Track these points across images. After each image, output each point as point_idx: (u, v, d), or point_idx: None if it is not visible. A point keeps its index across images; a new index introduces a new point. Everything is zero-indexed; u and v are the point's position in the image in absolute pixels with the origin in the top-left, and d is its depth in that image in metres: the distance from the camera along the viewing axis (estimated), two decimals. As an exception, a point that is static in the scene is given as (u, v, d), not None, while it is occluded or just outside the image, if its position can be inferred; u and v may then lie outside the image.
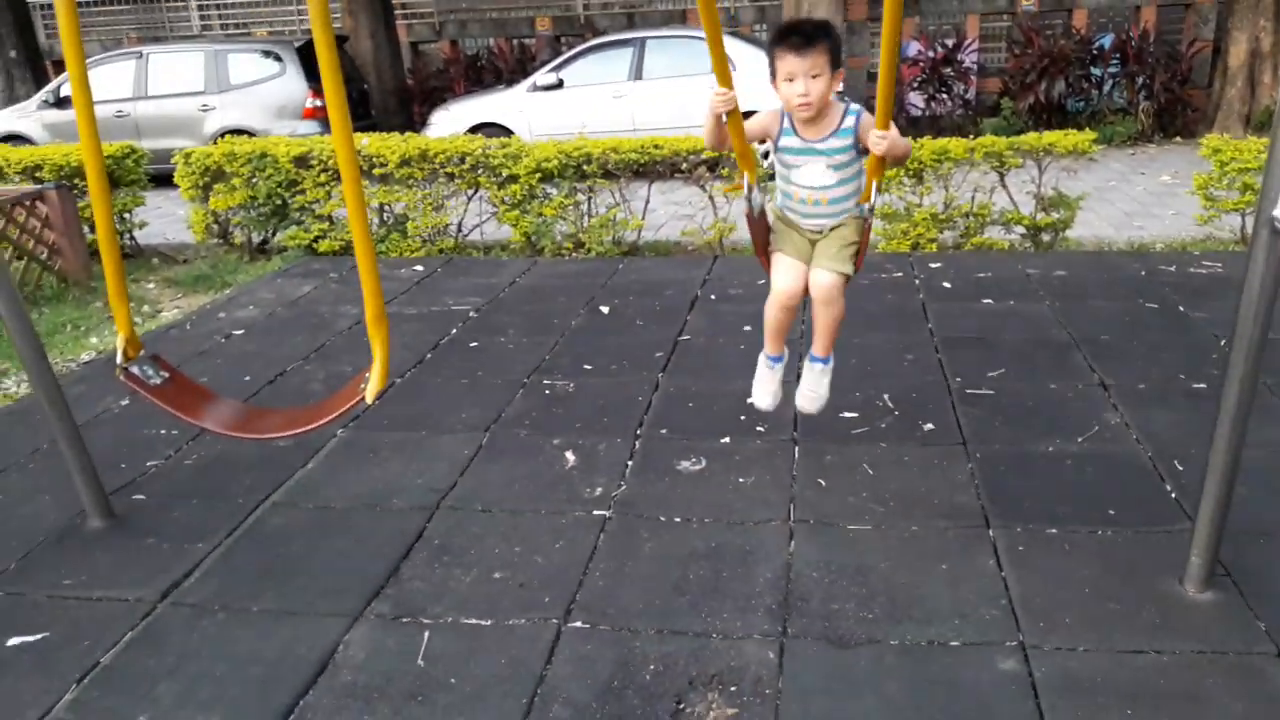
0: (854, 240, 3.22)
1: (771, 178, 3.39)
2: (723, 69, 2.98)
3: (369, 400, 2.95)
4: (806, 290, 3.26)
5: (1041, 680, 2.59)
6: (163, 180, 8.97)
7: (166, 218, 9.82)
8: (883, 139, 2.95)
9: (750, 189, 3.15)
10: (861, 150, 3.10)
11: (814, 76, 2.96)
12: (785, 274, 3.25)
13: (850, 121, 3.08)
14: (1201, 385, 4.37)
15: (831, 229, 3.24)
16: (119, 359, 3.19)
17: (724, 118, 3.05)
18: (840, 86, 3.05)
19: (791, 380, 3.64)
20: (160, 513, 3.66)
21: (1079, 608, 2.88)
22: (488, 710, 2.58)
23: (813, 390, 3.49)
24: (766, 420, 4.05)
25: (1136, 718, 2.45)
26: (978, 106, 14.44)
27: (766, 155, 3.47)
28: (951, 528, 3.34)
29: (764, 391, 3.55)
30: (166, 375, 3.24)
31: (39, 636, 2.96)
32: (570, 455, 3.98)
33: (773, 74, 3.07)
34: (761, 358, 3.52)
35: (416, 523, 3.50)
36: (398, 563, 3.26)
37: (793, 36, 2.97)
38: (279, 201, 7.81)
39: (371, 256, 2.84)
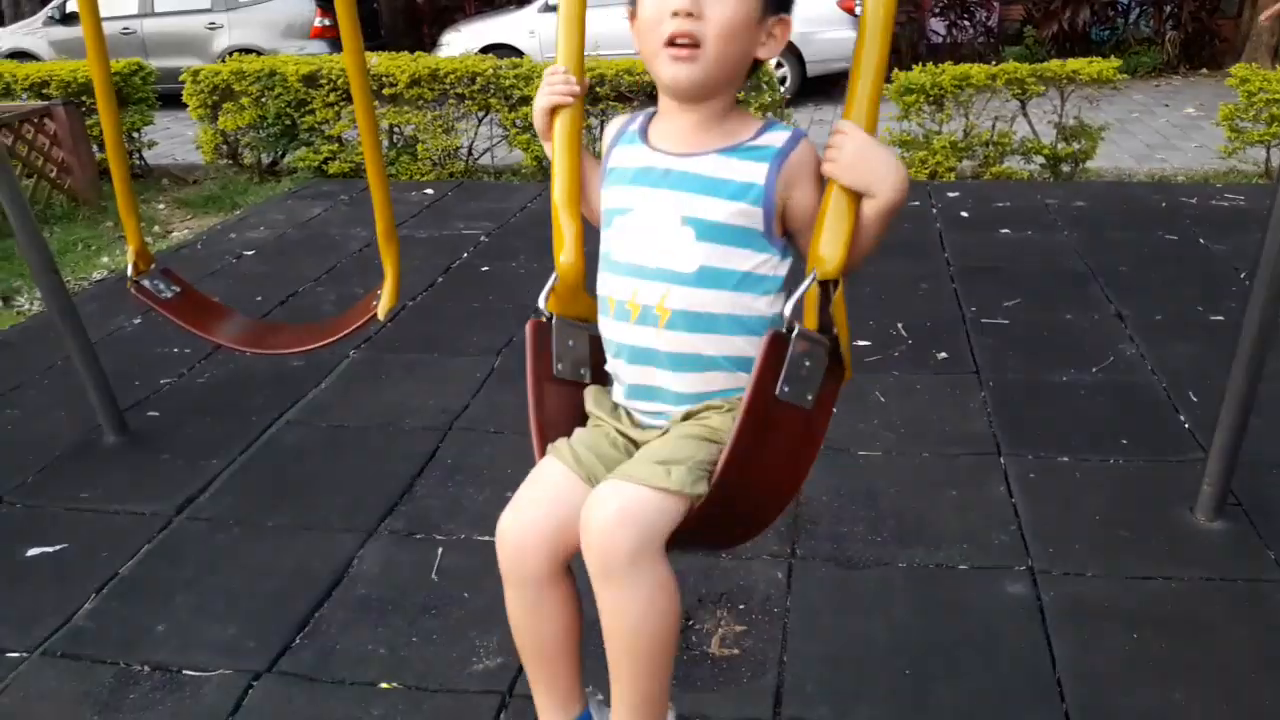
0: (713, 442, 1.47)
1: None
2: (574, 43, 1.72)
3: (381, 317, 2.94)
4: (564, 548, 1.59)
5: (1049, 604, 2.61)
6: (170, 101, 8.86)
7: (175, 138, 9.73)
8: (841, 142, 1.44)
9: (554, 306, 1.69)
10: (779, 226, 1.48)
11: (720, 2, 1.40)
12: (541, 483, 1.64)
13: (773, 139, 1.49)
14: (1219, 317, 4.33)
15: (684, 415, 1.53)
16: (130, 272, 3.17)
17: (555, 114, 1.69)
18: (774, 48, 1.49)
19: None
20: (174, 429, 3.69)
21: (1089, 535, 2.88)
22: (500, 624, 2.59)
23: None
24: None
25: (1142, 641, 2.47)
26: (1000, 34, 14.11)
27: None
28: (962, 454, 3.34)
29: None
30: (178, 289, 3.23)
31: (58, 548, 3.00)
32: (582, 379, 3.97)
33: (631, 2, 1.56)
34: None
35: (429, 443, 3.52)
36: (411, 481, 3.28)
37: None
38: (288, 122, 7.72)
39: (382, 173, 2.81)
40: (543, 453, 1.60)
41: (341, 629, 2.62)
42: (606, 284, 1.55)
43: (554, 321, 1.63)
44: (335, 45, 11.67)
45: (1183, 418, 3.52)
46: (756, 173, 1.44)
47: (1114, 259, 5.13)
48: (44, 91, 7.70)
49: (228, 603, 2.73)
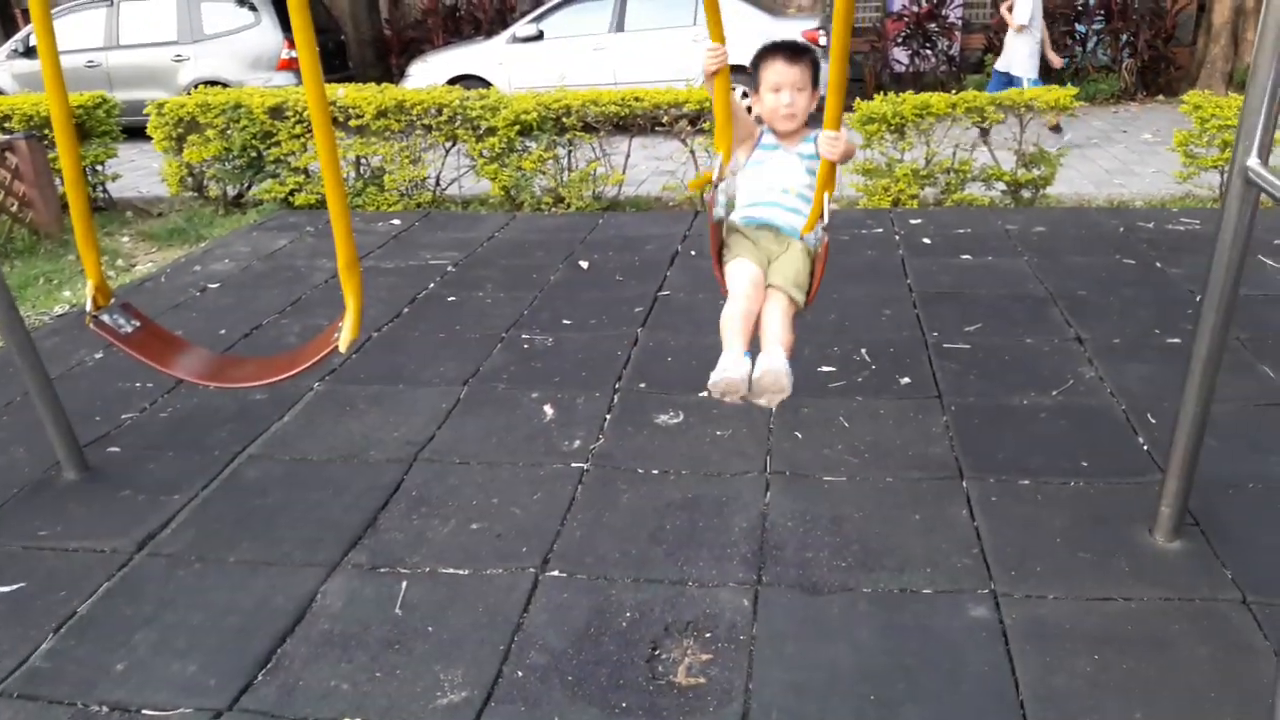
0: (809, 268, 3.04)
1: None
2: (715, 21, 2.96)
3: (343, 350, 2.93)
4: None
5: (1012, 627, 2.63)
6: (135, 133, 8.82)
7: (140, 170, 9.67)
8: (836, 140, 2.83)
9: (719, 178, 3.07)
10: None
11: (799, 90, 3.02)
12: (744, 270, 3.00)
13: (812, 135, 3.04)
14: (1176, 340, 4.40)
15: (789, 246, 3.07)
16: (89, 307, 3.14)
17: (712, 79, 3.01)
18: (815, 105, 3.08)
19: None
20: (135, 465, 3.65)
21: (1050, 556, 2.92)
22: (465, 657, 2.60)
23: (772, 377, 2.81)
24: (744, 373, 4.06)
25: (1104, 662, 2.50)
26: (961, 63, 14.35)
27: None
28: (925, 479, 3.37)
29: (730, 378, 2.84)
30: (138, 324, 3.20)
31: (15, 587, 2.95)
32: (548, 409, 3.98)
33: (757, 85, 3.09)
34: (723, 359, 2.87)
35: (394, 475, 3.50)
36: (375, 514, 3.27)
37: (783, 49, 3.04)
38: (254, 154, 7.71)
39: (343, 203, 2.81)
40: (720, 269, 3.11)
41: (304, 665, 2.60)
42: (762, 191, 3.13)
43: (719, 184, 3.10)
44: (301, 77, 11.66)
45: (1141, 439, 3.57)
46: (813, 149, 3.00)
47: (1073, 283, 5.21)
48: (5, 125, 7.64)
49: (189, 640, 2.70)
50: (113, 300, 3.22)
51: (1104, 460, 3.43)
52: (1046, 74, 10.17)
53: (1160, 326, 4.57)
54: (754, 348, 2.91)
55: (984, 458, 3.46)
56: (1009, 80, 9.50)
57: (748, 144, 3.17)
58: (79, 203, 3.13)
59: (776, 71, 3.02)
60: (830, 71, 2.73)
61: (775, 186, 3.09)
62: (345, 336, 2.89)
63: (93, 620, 2.80)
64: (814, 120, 3.00)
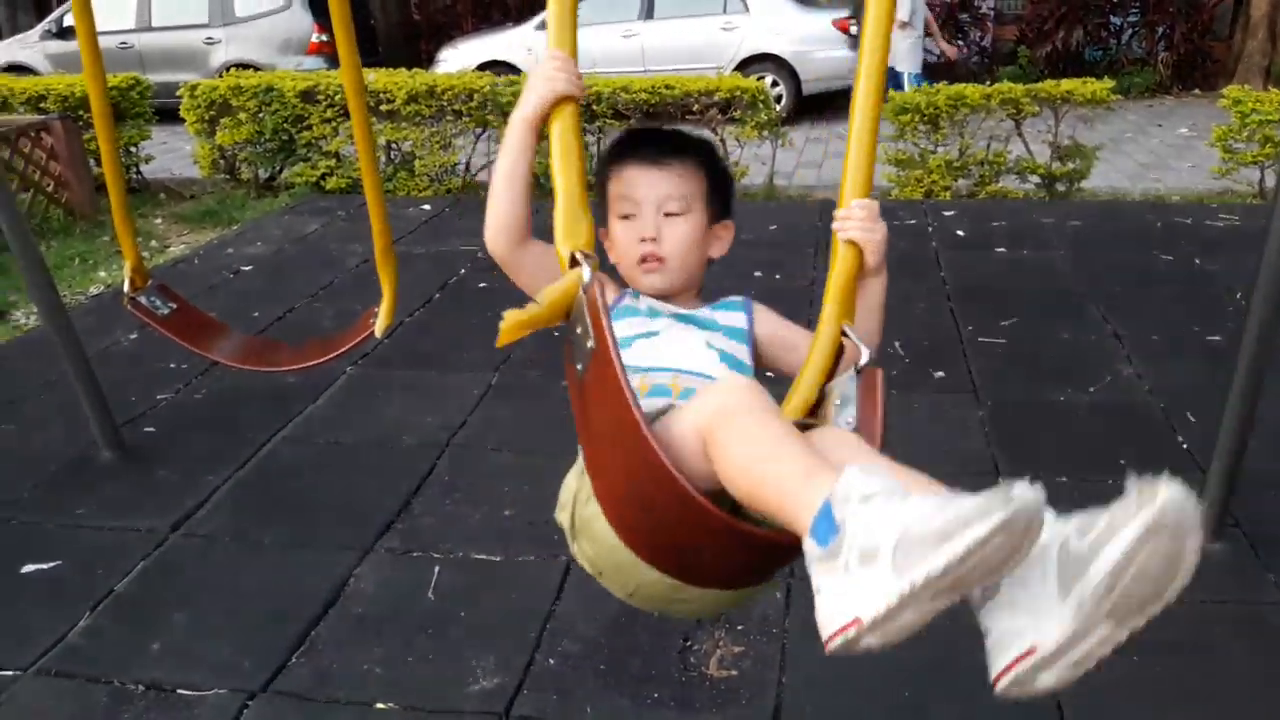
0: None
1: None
2: (569, 33, 1.56)
3: (378, 334, 2.94)
4: None
5: (1048, 625, 2.60)
6: (167, 115, 8.86)
7: (173, 153, 9.72)
8: (871, 214, 1.50)
9: (585, 294, 1.39)
10: (751, 358, 1.69)
11: (673, 214, 1.67)
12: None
13: (735, 300, 1.76)
14: (1216, 338, 4.34)
15: None
16: (126, 288, 3.16)
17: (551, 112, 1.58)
18: (722, 249, 1.76)
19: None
20: (171, 445, 3.67)
21: (1087, 555, 2.88)
22: (497, 644, 2.60)
23: None
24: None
25: (1143, 664, 2.46)
26: (994, 54, 14.19)
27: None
28: (960, 475, 3.30)
29: None
30: (174, 306, 3.22)
31: (52, 565, 2.98)
32: (579, 396, 3.97)
33: (603, 206, 1.76)
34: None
35: (426, 460, 3.51)
36: (408, 498, 3.27)
37: (640, 141, 1.74)
38: (285, 137, 7.73)
39: (379, 190, 2.81)
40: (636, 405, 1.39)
41: (338, 648, 2.61)
42: (641, 379, 1.56)
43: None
44: (333, 61, 11.69)
45: (1181, 439, 3.52)
46: (740, 320, 1.71)
47: (1110, 279, 5.14)
48: (41, 105, 7.70)
49: (223, 621, 2.72)
50: (150, 282, 3.24)
51: (1143, 459, 3.34)
52: (1080, 69, 10.06)
53: (1199, 324, 4.50)
54: None
55: (1020, 454, 3.43)
56: (893, 75, 9.35)
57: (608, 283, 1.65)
58: (116, 185, 3.15)
59: (632, 180, 1.69)
60: (855, 116, 1.51)
61: (667, 387, 1.56)
62: (381, 322, 2.90)
63: (129, 600, 2.82)
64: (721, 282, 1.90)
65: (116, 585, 2.87)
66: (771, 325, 1.73)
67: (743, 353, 1.66)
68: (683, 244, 1.67)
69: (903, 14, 8.91)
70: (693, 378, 1.55)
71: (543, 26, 12.60)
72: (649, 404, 1.44)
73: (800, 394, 1.47)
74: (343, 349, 3.03)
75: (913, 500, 1.08)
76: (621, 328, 1.60)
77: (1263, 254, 2.59)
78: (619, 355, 1.26)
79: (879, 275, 1.57)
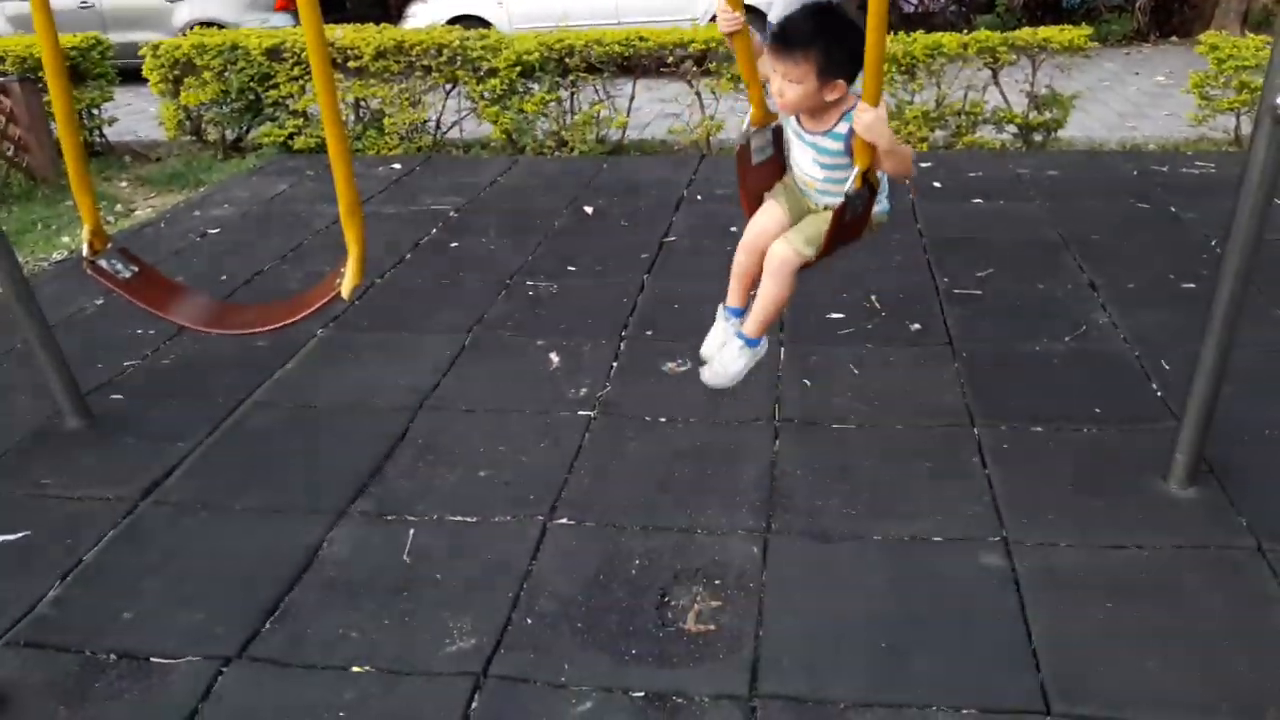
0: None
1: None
2: None
3: (345, 296, 2.87)
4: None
5: (1024, 574, 2.61)
6: (131, 76, 8.67)
7: (137, 114, 9.53)
8: (864, 115, 2.39)
9: (750, 129, 2.78)
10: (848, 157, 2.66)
11: (792, 81, 2.54)
12: (765, 216, 2.87)
13: (844, 128, 2.58)
14: (1190, 285, 4.34)
15: (822, 208, 2.80)
16: (85, 252, 3.08)
17: (730, 39, 2.70)
18: (836, 95, 2.55)
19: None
20: (139, 412, 3.62)
21: (1062, 504, 2.89)
22: (474, 605, 2.59)
23: (721, 366, 2.99)
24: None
25: (1117, 610, 2.48)
26: (971, 3, 14.05)
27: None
28: (936, 426, 3.33)
29: (711, 343, 3.08)
30: (135, 269, 3.14)
31: (20, 535, 2.94)
32: (554, 356, 3.94)
33: None
34: (720, 309, 3.06)
35: (399, 422, 3.47)
36: (381, 461, 3.24)
37: (777, 36, 2.58)
38: (252, 97, 7.58)
39: (343, 146, 2.73)
40: (746, 201, 2.93)
41: (312, 613, 2.58)
42: (792, 168, 2.85)
43: (751, 131, 2.79)
44: (299, 18, 11.44)
45: (1155, 386, 3.53)
46: (838, 145, 2.62)
47: (1086, 228, 5.13)
48: (-1, 68, 7.51)
49: (195, 588, 2.69)
50: (110, 245, 3.15)
51: (1117, 407, 3.39)
52: (1058, 16, 9.95)
53: (1174, 272, 4.50)
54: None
55: (996, 405, 3.42)
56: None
57: None
58: (72, 146, 3.05)
59: (771, 58, 2.60)
60: (869, 33, 2.29)
61: (799, 180, 2.83)
62: (348, 282, 2.83)
63: (99, 568, 2.79)
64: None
65: (86, 555, 2.83)
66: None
67: (837, 158, 2.66)
68: (794, 100, 2.59)
69: None
70: (805, 175, 2.78)
71: (515, -22, 12.33)
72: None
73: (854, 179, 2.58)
74: (308, 310, 2.97)
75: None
76: (788, 134, 2.78)
77: (1237, 201, 2.57)
78: (758, 172, 2.87)
79: (889, 154, 2.47)
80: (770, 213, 2.86)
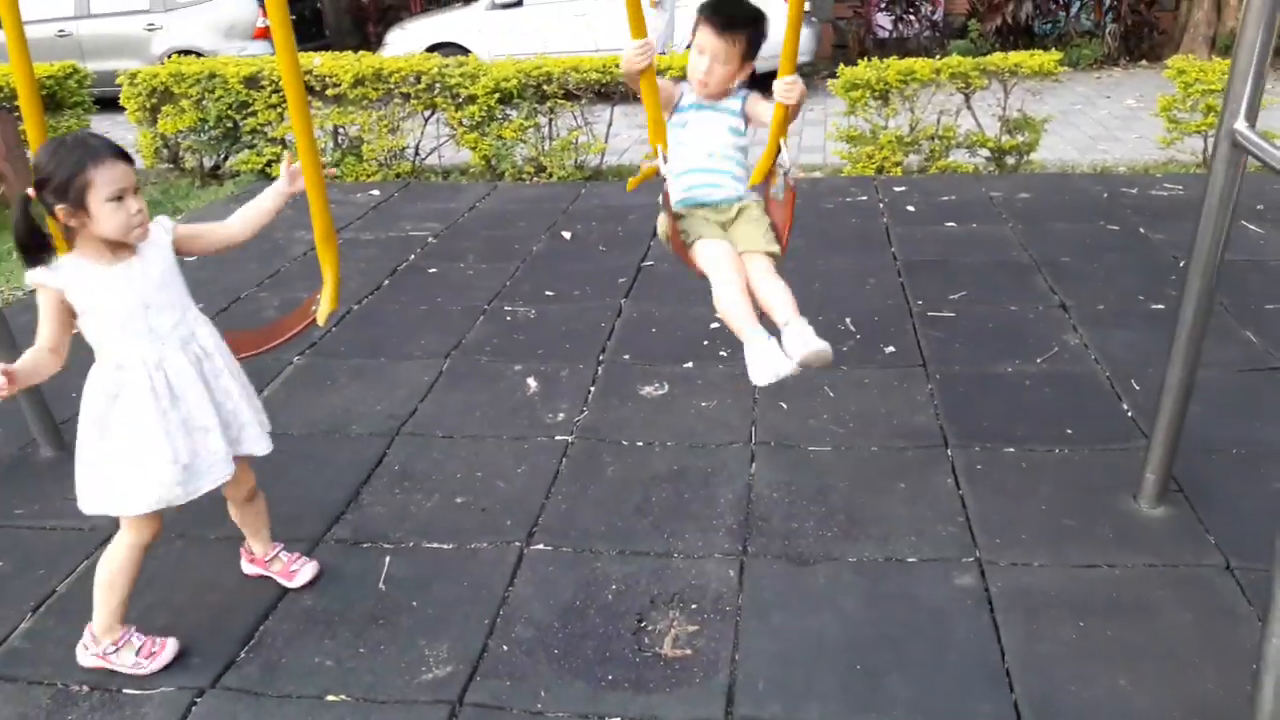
0: (768, 221, 3.00)
1: None
2: (637, 16, 2.71)
3: (320, 322, 2.88)
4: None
5: (997, 594, 2.63)
6: (109, 104, 8.65)
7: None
8: (792, 85, 2.77)
9: (666, 159, 2.85)
10: (744, 123, 3.00)
11: (721, 63, 2.83)
12: (715, 248, 2.89)
13: (740, 94, 2.96)
14: (1159, 306, 4.40)
15: (738, 211, 3.00)
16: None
17: (640, 76, 2.77)
18: (746, 75, 2.91)
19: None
20: (114, 441, 3.59)
21: (1035, 524, 2.92)
22: (450, 632, 2.58)
23: (805, 344, 2.71)
24: (729, 345, 4.03)
25: (1089, 630, 2.50)
26: (945, 28, 14.24)
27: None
28: (910, 448, 3.36)
29: (766, 366, 2.73)
30: None
31: (-9, 566, 2.92)
32: (532, 381, 3.95)
33: (692, 36, 2.93)
34: (748, 346, 2.77)
35: (376, 449, 3.47)
36: (357, 489, 3.24)
37: (719, 14, 2.82)
38: (230, 124, 7.59)
39: (318, 172, 2.75)
40: (685, 254, 2.95)
41: (287, 641, 2.58)
42: (691, 158, 2.96)
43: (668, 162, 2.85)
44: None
45: (1125, 406, 3.57)
46: (737, 106, 2.96)
47: (1057, 250, 5.20)
48: (-26, 97, 7.49)
49: (170, 618, 2.67)
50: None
51: (1089, 427, 3.43)
52: (1030, 42, 10.07)
53: (1144, 292, 4.56)
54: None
55: (969, 426, 3.46)
56: None
57: (669, 109, 3.01)
58: None
59: (705, 36, 2.83)
60: (789, 11, 2.72)
61: (699, 150, 2.96)
62: (323, 309, 2.84)
63: (72, 599, 2.76)
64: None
65: (58, 585, 2.82)
66: (752, 106, 2.96)
67: (738, 123, 2.98)
68: (720, 79, 2.86)
69: None
70: (712, 143, 2.97)
71: (493, 6, 12.50)
72: (685, 194, 2.98)
73: (761, 164, 3.03)
74: (284, 337, 2.97)
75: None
76: (678, 117, 2.97)
77: (1198, 224, 2.62)
78: (678, 244, 2.92)
79: (797, 116, 2.91)
80: (715, 247, 2.89)
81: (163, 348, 2.35)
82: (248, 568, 2.83)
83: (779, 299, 2.83)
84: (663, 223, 2.99)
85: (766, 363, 2.70)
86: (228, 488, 2.57)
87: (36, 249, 2.26)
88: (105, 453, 2.36)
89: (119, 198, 2.20)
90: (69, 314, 2.32)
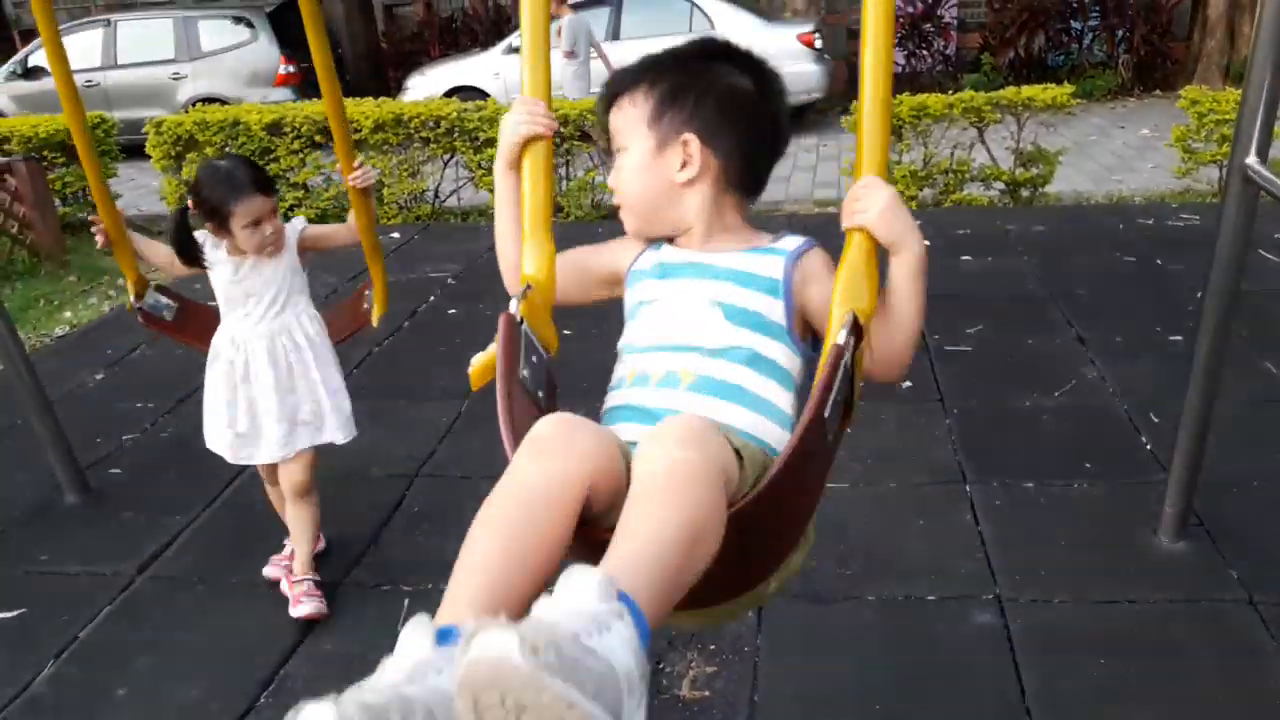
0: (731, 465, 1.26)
1: None
2: (535, 73, 1.58)
3: (374, 324, 3.02)
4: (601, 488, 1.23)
5: (1017, 632, 2.61)
6: (134, 151, 8.83)
7: (140, 189, 9.68)
8: (869, 193, 1.37)
9: (523, 312, 1.42)
10: (799, 324, 1.46)
11: (619, 149, 1.53)
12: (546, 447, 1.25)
13: (788, 243, 1.50)
14: (1178, 338, 4.38)
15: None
16: (133, 300, 3.10)
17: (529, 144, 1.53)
18: (690, 174, 1.47)
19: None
20: (137, 486, 3.64)
21: (1054, 560, 2.90)
22: (468, 675, 2.58)
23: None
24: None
25: (1110, 667, 2.48)
26: (958, 62, 14.32)
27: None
28: (928, 484, 3.35)
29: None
30: (177, 306, 3.17)
31: (16, 613, 2.95)
32: (549, 420, 3.96)
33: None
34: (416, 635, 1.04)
35: (395, 491, 3.49)
36: (377, 531, 3.26)
37: (605, 87, 1.58)
38: (253, 170, 7.71)
39: (368, 198, 2.87)
40: (514, 447, 1.29)
41: (308, 685, 2.58)
42: (627, 364, 1.51)
43: (524, 328, 1.41)
44: (300, 92, 11.69)
45: (1145, 439, 3.55)
46: (775, 267, 1.45)
47: (1073, 282, 5.19)
48: (4, 147, 7.65)
49: (191, 663, 2.69)
50: (150, 288, 3.16)
51: (1108, 461, 3.41)
52: (1043, 74, 10.11)
53: (1162, 325, 4.54)
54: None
55: (987, 461, 3.44)
56: None
57: (622, 264, 1.60)
58: (107, 208, 3.08)
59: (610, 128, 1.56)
60: (861, 89, 1.38)
61: (649, 375, 1.46)
62: (375, 310, 2.99)
63: (94, 645, 2.79)
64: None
65: (81, 632, 2.84)
66: (809, 268, 1.46)
67: (761, 303, 1.43)
68: (627, 184, 1.49)
69: (567, 44, 9.67)
70: (677, 354, 1.43)
71: (510, 50, 12.65)
72: (622, 397, 1.47)
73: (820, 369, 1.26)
74: (341, 338, 3.05)
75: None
76: (631, 294, 1.56)
77: (1213, 256, 2.62)
78: (505, 396, 1.31)
79: (900, 256, 1.38)
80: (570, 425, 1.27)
81: (252, 334, 2.75)
82: (270, 570, 3.00)
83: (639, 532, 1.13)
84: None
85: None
86: (279, 478, 2.90)
87: (191, 252, 2.71)
88: (205, 399, 2.85)
89: (256, 223, 2.61)
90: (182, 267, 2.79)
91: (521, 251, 1.48)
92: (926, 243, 1.40)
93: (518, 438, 1.28)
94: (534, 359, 1.44)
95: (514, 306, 1.39)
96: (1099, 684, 2.42)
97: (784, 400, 1.43)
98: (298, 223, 2.84)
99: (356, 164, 2.85)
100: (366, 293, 3.07)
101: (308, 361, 2.80)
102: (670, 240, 1.54)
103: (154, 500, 3.52)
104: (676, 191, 1.48)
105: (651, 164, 1.46)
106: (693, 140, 1.45)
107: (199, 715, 2.49)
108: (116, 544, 3.26)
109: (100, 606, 2.95)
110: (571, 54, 9.80)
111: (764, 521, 1.22)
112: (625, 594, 0.95)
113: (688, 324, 1.44)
